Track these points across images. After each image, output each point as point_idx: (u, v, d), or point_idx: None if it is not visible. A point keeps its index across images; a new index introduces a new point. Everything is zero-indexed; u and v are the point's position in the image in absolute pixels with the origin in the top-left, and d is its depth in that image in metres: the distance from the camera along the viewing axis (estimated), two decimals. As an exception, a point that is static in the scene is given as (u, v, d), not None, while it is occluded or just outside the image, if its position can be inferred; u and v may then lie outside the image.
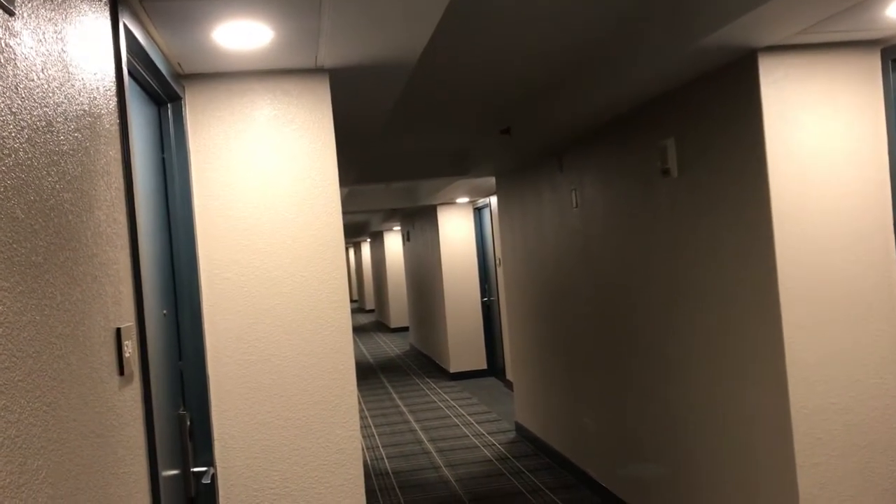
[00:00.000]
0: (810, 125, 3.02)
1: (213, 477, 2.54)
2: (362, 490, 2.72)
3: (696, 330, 3.65)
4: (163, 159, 2.53)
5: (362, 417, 8.60)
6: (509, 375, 9.25)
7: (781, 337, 2.98)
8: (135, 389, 1.71)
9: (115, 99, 1.77)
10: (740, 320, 3.27)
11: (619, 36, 3.40)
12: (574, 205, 5.15)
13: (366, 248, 25.85)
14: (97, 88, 1.63)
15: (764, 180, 3.01)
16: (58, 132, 1.35)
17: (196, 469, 2.45)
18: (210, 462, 2.54)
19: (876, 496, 3.02)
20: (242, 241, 2.69)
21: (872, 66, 3.07)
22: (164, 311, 2.39)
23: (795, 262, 2.99)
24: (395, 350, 14.94)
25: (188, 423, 2.46)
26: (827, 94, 3.03)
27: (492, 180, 7.97)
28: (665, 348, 3.99)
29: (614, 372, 4.72)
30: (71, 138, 1.42)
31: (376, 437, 7.59)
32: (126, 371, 1.63)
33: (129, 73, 2.10)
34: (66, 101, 1.41)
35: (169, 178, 2.55)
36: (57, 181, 1.32)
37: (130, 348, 1.68)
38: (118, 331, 1.61)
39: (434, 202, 10.19)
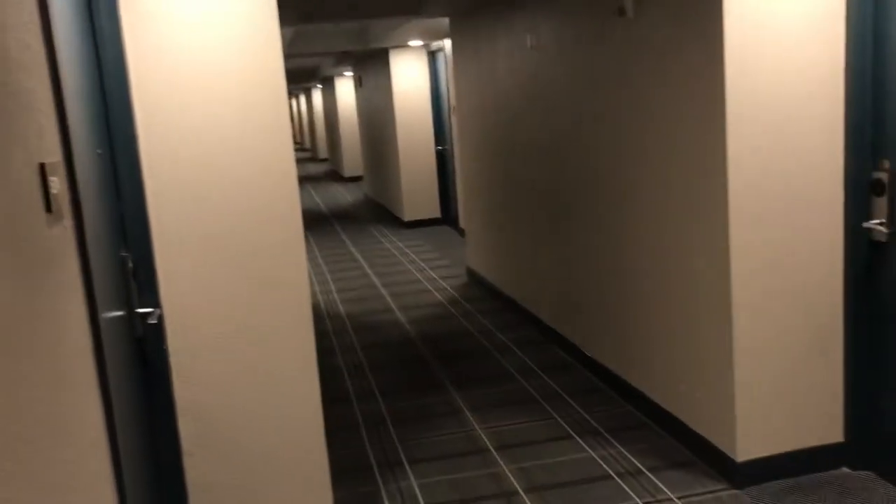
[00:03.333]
0: (772, -40, 2.91)
1: (160, 317, 2.54)
2: (311, 328, 2.76)
3: (646, 176, 3.66)
4: (85, -14, 2.34)
5: (316, 264, 8.68)
6: (462, 223, 9.34)
7: (727, 191, 3.01)
8: (66, 227, 1.66)
9: None
10: (688, 161, 3.28)
11: None
12: (529, 47, 5.00)
13: (317, 95, 25.15)
14: None
15: (719, 26, 2.92)
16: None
17: (141, 310, 2.44)
18: (156, 303, 2.53)
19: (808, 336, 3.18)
20: (178, 81, 2.55)
21: None
22: (99, 151, 2.29)
23: (745, 115, 2.97)
24: (349, 199, 14.91)
25: (131, 264, 2.42)
26: (791, -74, 2.91)
27: (446, 22, 7.68)
28: (615, 193, 4.02)
29: (565, 217, 4.77)
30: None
31: (330, 282, 7.70)
32: (54, 208, 1.56)
33: None
34: None
35: (94, 13, 2.37)
36: (-47, -3, 1.20)
37: (58, 185, 1.61)
38: (42, 166, 1.53)
39: (386, 44, 9.83)
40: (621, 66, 3.77)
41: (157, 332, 2.54)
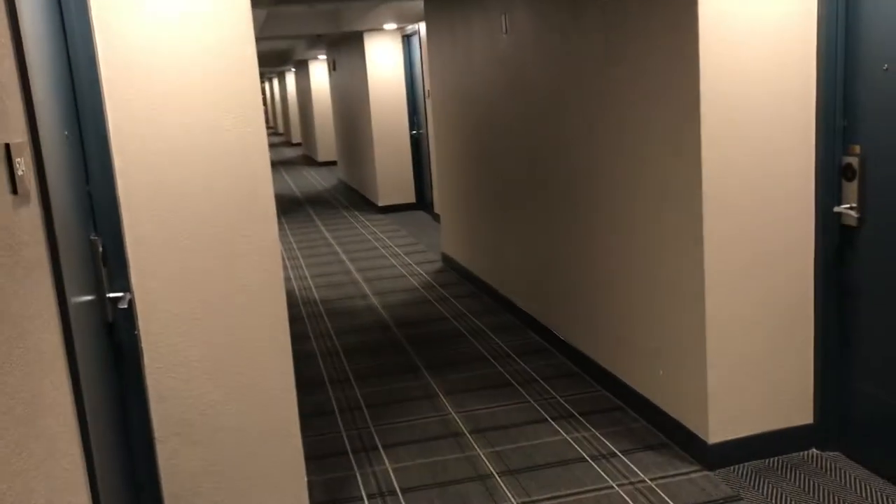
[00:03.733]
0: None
1: (131, 302, 2.50)
2: (284, 312, 2.74)
3: (622, 159, 3.67)
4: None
5: (290, 249, 8.63)
6: (437, 208, 9.32)
7: (700, 176, 3.02)
8: (33, 210, 1.62)
9: None
10: (663, 144, 3.29)
11: None
12: (504, 30, 4.98)
13: (290, 78, 24.91)
14: None
15: (693, 11, 2.93)
16: None
17: (112, 295, 2.40)
18: (126, 288, 2.50)
19: (779, 313, 3.21)
20: (147, 62, 2.50)
21: None
22: (66, 132, 2.25)
23: (718, 99, 2.98)
24: (323, 184, 14.81)
25: (101, 248, 2.38)
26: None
27: (420, 5, 7.62)
28: (589, 177, 4.02)
29: (539, 202, 4.78)
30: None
31: (304, 268, 7.65)
32: (20, 190, 1.53)
33: None
34: None
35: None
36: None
37: (24, 166, 1.57)
38: (7, 147, 1.49)
39: (360, 28, 9.74)
40: (596, 50, 3.76)
41: (127, 317, 2.50)
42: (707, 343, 3.13)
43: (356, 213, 10.99)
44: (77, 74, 2.38)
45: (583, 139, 4.04)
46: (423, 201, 10.61)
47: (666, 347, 3.44)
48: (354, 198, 12.46)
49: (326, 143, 17.94)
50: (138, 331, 2.57)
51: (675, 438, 3.44)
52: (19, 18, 1.65)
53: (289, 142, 26.90)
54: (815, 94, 3.07)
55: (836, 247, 3.14)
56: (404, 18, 8.91)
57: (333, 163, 17.61)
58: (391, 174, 10.73)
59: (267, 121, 35.68)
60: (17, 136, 1.58)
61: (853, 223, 3.04)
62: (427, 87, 9.21)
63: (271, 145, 26.59)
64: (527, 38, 4.62)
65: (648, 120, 3.37)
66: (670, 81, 3.16)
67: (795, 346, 3.24)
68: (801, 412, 3.29)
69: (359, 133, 11.80)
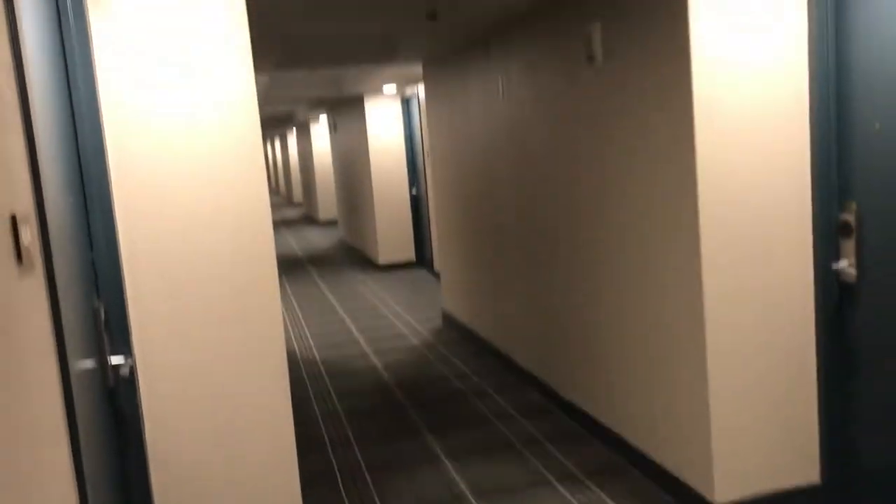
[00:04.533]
0: (736, 14, 2.99)
1: (132, 368, 2.50)
2: (286, 377, 2.73)
3: (620, 219, 3.70)
4: (62, 45, 2.34)
5: (290, 308, 8.62)
6: (437, 266, 9.34)
7: (697, 219, 3.05)
8: (37, 279, 1.63)
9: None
10: (661, 205, 3.32)
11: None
12: (500, 93, 5.07)
13: (292, 140, 25.23)
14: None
15: (686, 69, 2.99)
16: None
17: (114, 360, 2.40)
18: (128, 353, 2.49)
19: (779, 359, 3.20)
20: (152, 129, 2.55)
21: (799, -51, 3.03)
22: (70, 199, 2.27)
23: (714, 159, 3.03)
24: (324, 243, 14.87)
25: (103, 314, 2.39)
26: (753, -22, 3.00)
27: (419, 69, 7.78)
28: (589, 237, 4.05)
29: (540, 261, 4.80)
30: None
31: (305, 327, 7.63)
32: (25, 260, 1.54)
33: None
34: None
35: (70, 65, 2.37)
36: (-73, 51, 1.19)
37: (29, 236, 1.59)
38: (13, 217, 1.52)
39: (360, 90, 9.92)
40: (592, 111, 3.83)
41: (130, 384, 2.49)
42: (710, 402, 3.11)
43: (357, 271, 11.01)
44: (83, 142, 2.42)
45: (582, 197, 4.07)
46: (423, 259, 10.64)
47: (669, 407, 3.41)
48: (355, 256, 12.50)
49: (327, 202, 18.07)
50: (139, 398, 2.56)
51: (681, 498, 3.38)
52: (28, 86, 1.69)
53: (290, 201, 27.09)
54: (810, 153, 3.11)
55: (836, 303, 3.14)
56: (404, 81, 9.08)
57: (334, 222, 17.71)
58: (391, 233, 10.79)
59: (268, 181, 36.07)
60: (24, 205, 1.60)
61: (852, 280, 3.06)
62: (426, 148, 9.33)
63: (272, 205, 26.75)
64: (525, 99, 4.70)
65: (645, 188, 3.41)
66: (666, 142, 3.21)
67: (799, 403, 3.22)
68: (808, 471, 3.25)
69: (359, 193, 11.91)
